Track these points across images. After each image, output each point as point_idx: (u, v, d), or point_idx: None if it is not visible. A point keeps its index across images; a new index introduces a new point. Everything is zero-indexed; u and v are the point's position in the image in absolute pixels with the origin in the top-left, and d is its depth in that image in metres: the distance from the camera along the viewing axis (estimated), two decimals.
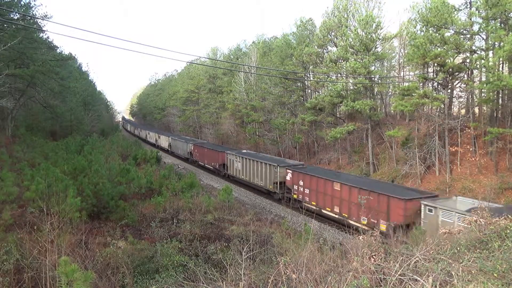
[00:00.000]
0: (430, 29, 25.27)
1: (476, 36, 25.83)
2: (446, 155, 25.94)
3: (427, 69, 30.91)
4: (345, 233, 18.16)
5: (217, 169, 36.67)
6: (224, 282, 7.05)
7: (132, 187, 20.34)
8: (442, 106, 26.99)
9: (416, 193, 17.79)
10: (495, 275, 5.95)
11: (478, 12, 23.68)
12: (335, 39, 35.41)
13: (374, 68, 33.82)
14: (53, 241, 8.60)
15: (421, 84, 28.90)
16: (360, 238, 8.37)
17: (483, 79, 25.81)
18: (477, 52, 25.52)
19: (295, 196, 23.77)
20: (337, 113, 37.73)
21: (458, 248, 7.19)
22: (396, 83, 34.91)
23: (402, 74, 39.24)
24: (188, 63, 74.88)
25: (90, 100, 53.87)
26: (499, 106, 26.82)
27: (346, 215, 19.45)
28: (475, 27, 25.22)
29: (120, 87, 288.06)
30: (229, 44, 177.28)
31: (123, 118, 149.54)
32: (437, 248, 7.32)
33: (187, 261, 10.34)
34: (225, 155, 34.28)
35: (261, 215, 21.53)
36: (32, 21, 26.26)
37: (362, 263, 6.83)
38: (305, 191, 22.83)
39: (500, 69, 25.20)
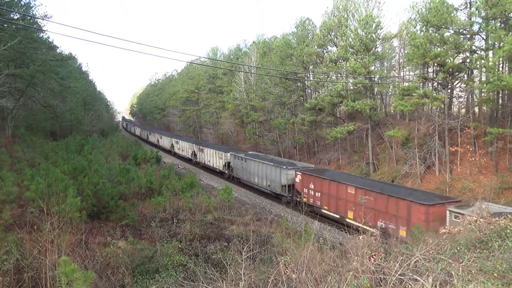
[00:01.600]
0: (430, 29, 25.29)
1: (476, 36, 25.87)
2: (446, 155, 25.93)
3: (427, 69, 30.93)
4: (345, 233, 18.20)
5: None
6: (224, 282, 7.04)
7: (132, 187, 20.37)
8: (442, 106, 26.98)
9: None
10: (495, 275, 5.95)
11: (478, 12, 23.70)
12: (335, 39, 35.41)
13: (374, 68, 33.83)
14: (53, 241, 8.61)
15: (421, 84, 28.91)
16: (360, 238, 8.37)
17: (483, 79, 25.84)
18: (477, 52, 25.54)
19: None
20: (337, 113, 37.74)
21: (458, 248, 7.19)
22: (396, 83, 34.92)
23: (402, 74, 39.27)
24: (188, 63, 74.96)
25: (90, 100, 53.78)
26: (499, 106, 26.83)
27: None
28: (475, 27, 25.28)
29: (120, 87, 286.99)
30: (229, 44, 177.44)
31: (123, 118, 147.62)
32: (437, 248, 7.33)
33: (187, 261, 10.35)
34: (446, 210, 15.01)
35: (261, 215, 21.52)
36: (32, 21, 26.25)
37: (362, 263, 6.83)
38: None
39: (500, 69, 25.23)
